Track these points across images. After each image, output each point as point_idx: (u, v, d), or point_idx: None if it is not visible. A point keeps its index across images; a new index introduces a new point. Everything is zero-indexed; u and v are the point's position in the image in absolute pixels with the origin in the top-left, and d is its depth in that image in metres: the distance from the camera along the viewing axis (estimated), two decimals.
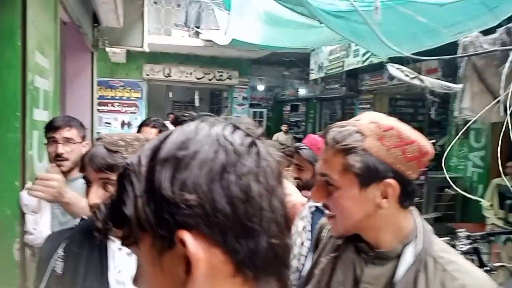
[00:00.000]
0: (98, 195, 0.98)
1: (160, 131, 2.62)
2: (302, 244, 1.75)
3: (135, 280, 0.46)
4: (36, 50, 1.97)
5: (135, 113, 10.10)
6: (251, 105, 13.32)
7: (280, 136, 10.37)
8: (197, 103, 12.41)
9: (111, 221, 0.44)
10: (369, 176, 0.83)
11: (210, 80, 10.42)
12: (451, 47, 2.50)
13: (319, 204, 1.76)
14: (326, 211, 0.92)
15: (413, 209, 0.93)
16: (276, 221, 0.43)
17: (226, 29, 4.48)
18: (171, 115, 9.95)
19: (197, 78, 10.33)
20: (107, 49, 7.73)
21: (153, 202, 0.41)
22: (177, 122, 3.43)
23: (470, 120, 3.12)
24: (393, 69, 3.13)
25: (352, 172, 0.83)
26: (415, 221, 0.91)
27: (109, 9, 3.68)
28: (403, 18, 2.55)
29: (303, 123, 14.38)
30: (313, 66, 9.43)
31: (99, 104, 9.83)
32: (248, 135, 0.45)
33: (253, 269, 0.42)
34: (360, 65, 7.41)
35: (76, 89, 4.37)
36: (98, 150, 1.01)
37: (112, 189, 0.95)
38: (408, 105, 9.66)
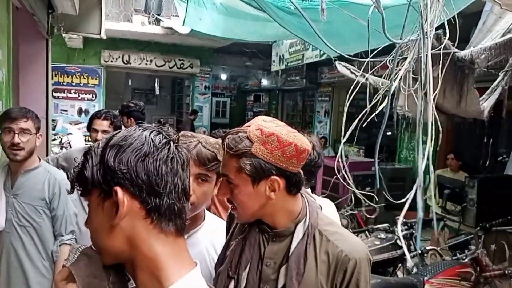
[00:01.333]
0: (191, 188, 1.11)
1: (112, 123, 2.68)
2: None
3: (86, 222, 0.73)
4: None
5: (92, 100, 9.87)
6: (214, 94, 13.34)
7: None
8: (157, 91, 12.29)
9: (76, 180, 0.70)
10: (258, 175, 1.01)
11: (171, 68, 10.33)
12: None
13: None
14: (230, 205, 1.10)
15: (303, 192, 1.13)
16: (176, 191, 0.69)
17: (184, 19, 4.50)
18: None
19: (158, 66, 10.21)
20: (64, 34, 7.52)
21: (102, 169, 0.67)
22: (123, 112, 3.46)
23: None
24: (340, 66, 3.33)
25: (244, 172, 1.01)
26: (305, 203, 1.11)
27: None
28: (348, 19, 2.72)
29: (266, 114, 14.58)
30: (275, 58, 9.59)
31: (55, 91, 9.54)
32: (165, 137, 0.71)
33: (157, 215, 0.68)
34: (318, 58, 7.64)
35: (30, 76, 4.29)
36: (202, 149, 1.23)
37: (205, 184, 1.25)
38: (364, 98, 10.06)
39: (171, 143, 0.70)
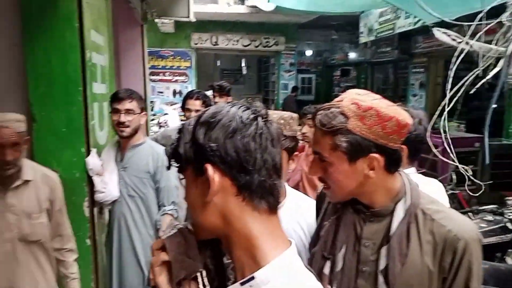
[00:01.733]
0: None
1: (204, 102, 2.79)
2: None
3: (185, 197, 0.75)
4: (92, 29, 2.15)
5: (185, 82, 10.39)
6: (299, 71, 13.17)
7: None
8: (244, 71, 12.51)
9: (172, 157, 0.72)
10: (355, 152, 0.94)
11: (256, 47, 10.41)
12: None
13: None
14: (321, 183, 1.04)
15: (401, 170, 1.04)
16: (266, 167, 0.68)
17: None
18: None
19: (244, 46, 10.36)
20: (156, 20, 7.96)
21: (193, 146, 0.68)
22: (220, 91, 3.62)
23: None
24: (439, 33, 2.99)
25: (340, 150, 0.95)
26: (403, 181, 1.03)
27: None
28: None
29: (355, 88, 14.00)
30: (363, 29, 9.11)
31: (151, 74, 10.22)
32: (253, 113, 0.70)
33: (248, 193, 0.67)
34: (412, 27, 7.06)
35: (128, 61, 4.63)
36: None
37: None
38: (465, 68, 9.14)
39: (259, 118, 0.69)
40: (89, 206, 2.09)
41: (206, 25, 10.01)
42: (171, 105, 10.29)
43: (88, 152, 2.04)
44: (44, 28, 1.88)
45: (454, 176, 4.18)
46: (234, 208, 0.67)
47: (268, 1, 4.94)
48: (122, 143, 2.31)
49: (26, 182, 1.71)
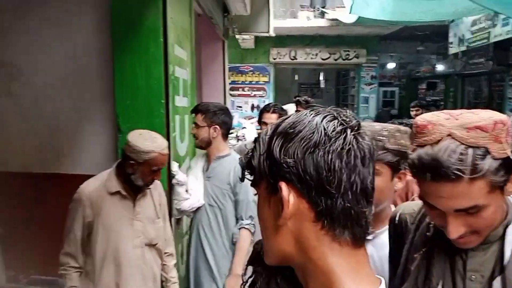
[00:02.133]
0: None
1: (279, 115, 2.77)
2: None
3: (257, 211, 0.66)
4: (175, 43, 2.23)
5: (263, 96, 10.53)
6: (381, 84, 12.67)
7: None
8: (322, 85, 12.34)
9: (247, 168, 0.65)
10: (502, 179, 0.78)
11: (336, 60, 10.22)
12: None
13: None
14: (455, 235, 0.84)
15: None
16: (353, 191, 0.56)
17: (351, 6, 4.33)
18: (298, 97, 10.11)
19: (323, 59, 10.23)
20: (237, 36, 8.20)
21: (268, 160, 0.59)
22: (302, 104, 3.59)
23: None
24: None
25: (498, 187, 0.79)
26: (509, 201, 0.87)
27: None
28: None
29: (442, 103, 13.15)
30: (453, 39, 8.51)
31: (231, 89, 10.54)
32: (342, 124, 0.58)
33: (329, 220, 0.56)
34: (510, 35, 6.42)
35: (210, 76, 4.78)
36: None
37: (377, 179, 0.99)
38: None
39: (348, 131, 0.57)
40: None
41: (285, 40, 10.08)
42: (249, 119, 10.47)
43: (169, 163, 2.09)
44: (132, 43, 1.98)
45: None
46: (310, 236, 0.58)
47: (350, 13, 4.80)
48: (208, 154, 2.37)
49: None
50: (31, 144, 2.28)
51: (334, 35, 9.80)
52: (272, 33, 6.10)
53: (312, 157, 0.56)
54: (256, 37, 9.16)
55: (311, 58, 10.23)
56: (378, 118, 10.69)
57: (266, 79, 10.48)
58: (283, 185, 0.57)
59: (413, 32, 9.17)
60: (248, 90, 10.55)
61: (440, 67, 12.02)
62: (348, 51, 10.16)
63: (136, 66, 1.99)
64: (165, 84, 2.01)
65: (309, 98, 3.97)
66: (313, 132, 0.57)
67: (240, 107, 10.60)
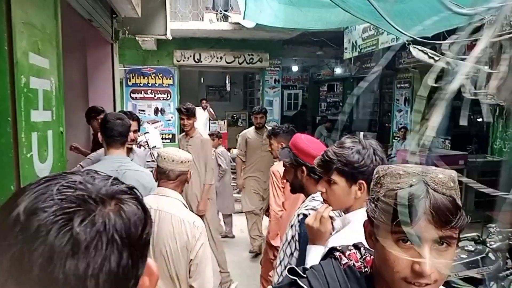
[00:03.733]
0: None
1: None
2: (291, 254, 1.66)
3: None
4: (31, 51, 1.95)
5: (167, 99, 10.20)
6: (285, 87, 13.07)
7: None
8: (228, 88, 12.36)
9: None
10: None
11: (240, 63, 10.29)
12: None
13: (307, 212, 1.64)
14: None
15: None
16: None
17: (244, 12, 4.31)
18: (204, 101, 9.97)
19: (228, 62, 10.23)
20: (137, 37, 7.80)
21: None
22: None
23: None
24: (416, 51, 2.86)
25: None
26: None
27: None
28: None
29: (340, 104, 14.01)
30: (347, 45, 9.06)
31: (133, 92, 10.03)
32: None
33: None
34: (394, 43, 7.00)
35: (98, 80, 4.42)
36: (438, 197, 0.77)
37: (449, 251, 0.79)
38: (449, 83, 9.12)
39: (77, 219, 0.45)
40: None
41: (189, 42, 9.89)
42: (153, 123, 10.05)
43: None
44: None
45: None
46: None
47: (244, 18, 4.79)
48: None
49: None
50: None
51: (238, 38, 9.85)
52: (169, 36, 5.88)
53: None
54: (158, 39, 8.82)
55: (216, 61, 10.16)
56: (295, 119, 10.93)
57: (170, 81, 10.16)
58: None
59: (311, 37, 9.59)
60: (151, 93, 10.13)
61: (338, 71, 12.78)
62: (252, 54, 10.29)
63: None
64: (11, 98, 1.73)
65: (190, 106, 3.95)
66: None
67: (143, 110, 10.14)
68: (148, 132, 9.08)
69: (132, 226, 0.49)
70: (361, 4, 3.11)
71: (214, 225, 4.33)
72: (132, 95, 10.02)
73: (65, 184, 0.47)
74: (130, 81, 9.92)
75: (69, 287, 0.42)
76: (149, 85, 10.06)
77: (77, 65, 4.33)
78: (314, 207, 1.66)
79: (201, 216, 3.65)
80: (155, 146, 7.48)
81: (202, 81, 13.12)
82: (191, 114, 4.00)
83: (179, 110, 4.01)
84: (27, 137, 1.89)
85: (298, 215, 1.69)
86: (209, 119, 9.98)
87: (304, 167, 1.82)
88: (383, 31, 7.30)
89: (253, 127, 5.15)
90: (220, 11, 8.91)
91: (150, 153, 7.90)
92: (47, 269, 0.42)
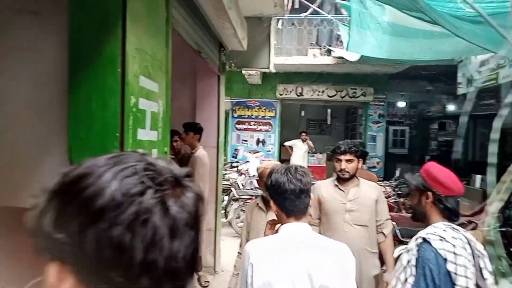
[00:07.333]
0: None
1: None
2: (405, 280, 1.53)
3: None
4: (141, 74, 2.13)
5: (269, 131, 10.47)
6: (390, 123, 12.47)
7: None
8: (329, 121, 12.24)
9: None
10: None
11: (342, 97, 10.16)
12: None
13: (426, 236, 1.55)
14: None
15: None
16: (152, 274, 0.43)
17: (348, 43, 4.25)
18: (303, 133, 10.00)
19: (329, 96, 10.19)
20: (244, 71, 8.23)
21: (38, 229, 0.47)
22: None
23: None
24: None
25: None
26: None
27: (229, 33, 3.86)
28: None
29: (453, 143, 12.87)
30: (461, 80, 8.37)
31: (237, 123, 10.52)
32: (142, 182, 0.45)
33: None
34: None
35: (204, 109, 4.71)
36: None
37: None
38: None
39: (150, 192, 0.45)
40: None
41: (292, 76, 10.12)
42: (254, 153, 10.37)
43: None
44: (88, 73, 1.89)
45: None
46: None
47: (347, 50, 4.73)
48: None
49: None
50: None
51: (341, 72, 9.79)
52: (272, 69, 6.07)
53: (94, 230, 0.42)
54: (264, 73, 9.21)
55: (318, 95, 10.19)
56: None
57: (272, 114, 10.45)
58: (53, 267, 0.44)
59: (421, 71, 9.09)
60: (254, 124, 10.51)
61: (450, 107, 11.83)
62: (355, 88, 10.10)
63: (92, 98, 1.88)
64: (121, 116, 1.90)
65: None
66: (98, 194, 0.43)
67: (246, 140, 10.53)
68: (249, 161, 9.42)
69: (197, 208, 0.50)
70: (478, 31, 2.84)
71: None
72: (237, 126, 10.50)
73: (145, 166, 0.47)
74: (235, 112, 10.44)
75: (168, 268, 0.44)
76: (253, 117, 10.47)
77: (188, 93, 4.67)
78: (434, 232, 1.66)
79: None
80: (254, 175, 7.66)
81: (303, 114, 13.22)
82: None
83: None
84: None
85: (417, 239, 1.61)
86: (308, 152, 9.92)
87: (430, 193, 1.81)
88: (505, 63, 6.59)
89: (334, 177, 2.95)
90: (324, 46, 8.99)
91: (250, 181, 8.11)
92: (149, 251, 0.43)
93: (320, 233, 2.72)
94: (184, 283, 0.46)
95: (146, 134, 2.23)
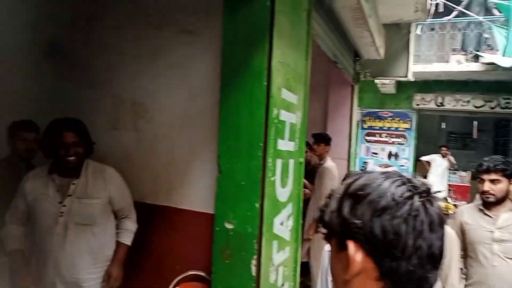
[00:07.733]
0: None
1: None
2: None
3: (330, 263, 0.71)
4: (284, 87, 2.19)
5: (402, 144, 9.83)
6: None
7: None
8: (475, 135, 10.94)
9: (320, 221, 0.71)
10: None
11: (492, 108, 8.98)
12: None
13: None
14: None
15: None
16: (418, 256, 0.59)
17: (505, 48, 3.74)
18: (443, 148, 9.12)
19: (476, 107, 9.11)
20: (376, 81, 7.92)
21: (338, 218, 0.66)
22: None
23: None
24: None
25: None
26: None
27: (367, 42, 3.75)
28: None
29: None
30: None
31: (367, 135, 10.13)
32: (410, 190, 0.62)
33: (392, 281, 0.60)
34: None
35: (336, 120, 4.65)
36: None
37: None
38: None
39: (416, 197, 0.62)
40: (256, 265, 2.02)
41: (431, 85, 9.36)
42: (385, 167, 9.82)
43: (261, 208, 2.01)
44: (237, 85, 2.01)
45: None
46: None
47: (504, 55, 4.16)
48: None
49: None
50: (147, 176, 2.47)
51: (491, 80, 8.70)
52: (411, 78, 5.69)
53: (379, 220, 0.60)
54: (398, 82, 8.71)
55: (461, 105, 9.21)
56: None
57: (407, 125, 9.80)
58: (351, 244, 0.62)
59: None
60: (386, 136, 9.99)
61: None
62: (509, 98, 8.84)
63: (240, 108, 2.01)
64: (265, 127, 1.98)
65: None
66: (381, 196, 0.61)
67: (376, 153, 10.07)
68: None
69: (441, 213, 0.67)
70: None
71: None
72: (366, 138, 10.13)
73: (407, 180, 0.65)
74: (365, 123, 10.08)
75: (429, 253, 0.60)
76: (385, 128, 9.97)
77: (320, 103, 4.68)
78: None
79: None
80: None
81: (443, 126, 12.09)
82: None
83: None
84: (273, 162, 2.10)
85: None
86: (449, 169, 9.02)
87: None
88: None
89: (479, 201, 2.57)
90: (471, 51, 8.11)
91: None
92: (418, 238, 0.60)
93: (462, 268, 2.43)
94: (437, 267, 0.62)
95: (285, 145, 2.28)
